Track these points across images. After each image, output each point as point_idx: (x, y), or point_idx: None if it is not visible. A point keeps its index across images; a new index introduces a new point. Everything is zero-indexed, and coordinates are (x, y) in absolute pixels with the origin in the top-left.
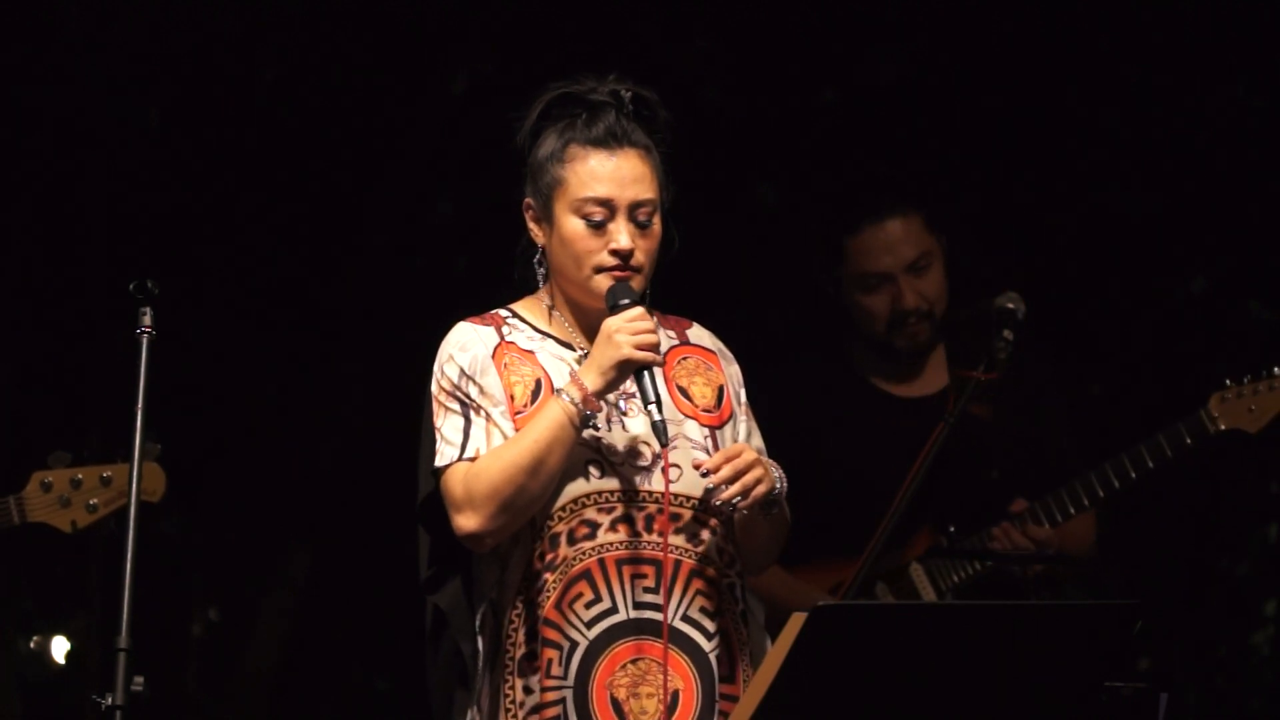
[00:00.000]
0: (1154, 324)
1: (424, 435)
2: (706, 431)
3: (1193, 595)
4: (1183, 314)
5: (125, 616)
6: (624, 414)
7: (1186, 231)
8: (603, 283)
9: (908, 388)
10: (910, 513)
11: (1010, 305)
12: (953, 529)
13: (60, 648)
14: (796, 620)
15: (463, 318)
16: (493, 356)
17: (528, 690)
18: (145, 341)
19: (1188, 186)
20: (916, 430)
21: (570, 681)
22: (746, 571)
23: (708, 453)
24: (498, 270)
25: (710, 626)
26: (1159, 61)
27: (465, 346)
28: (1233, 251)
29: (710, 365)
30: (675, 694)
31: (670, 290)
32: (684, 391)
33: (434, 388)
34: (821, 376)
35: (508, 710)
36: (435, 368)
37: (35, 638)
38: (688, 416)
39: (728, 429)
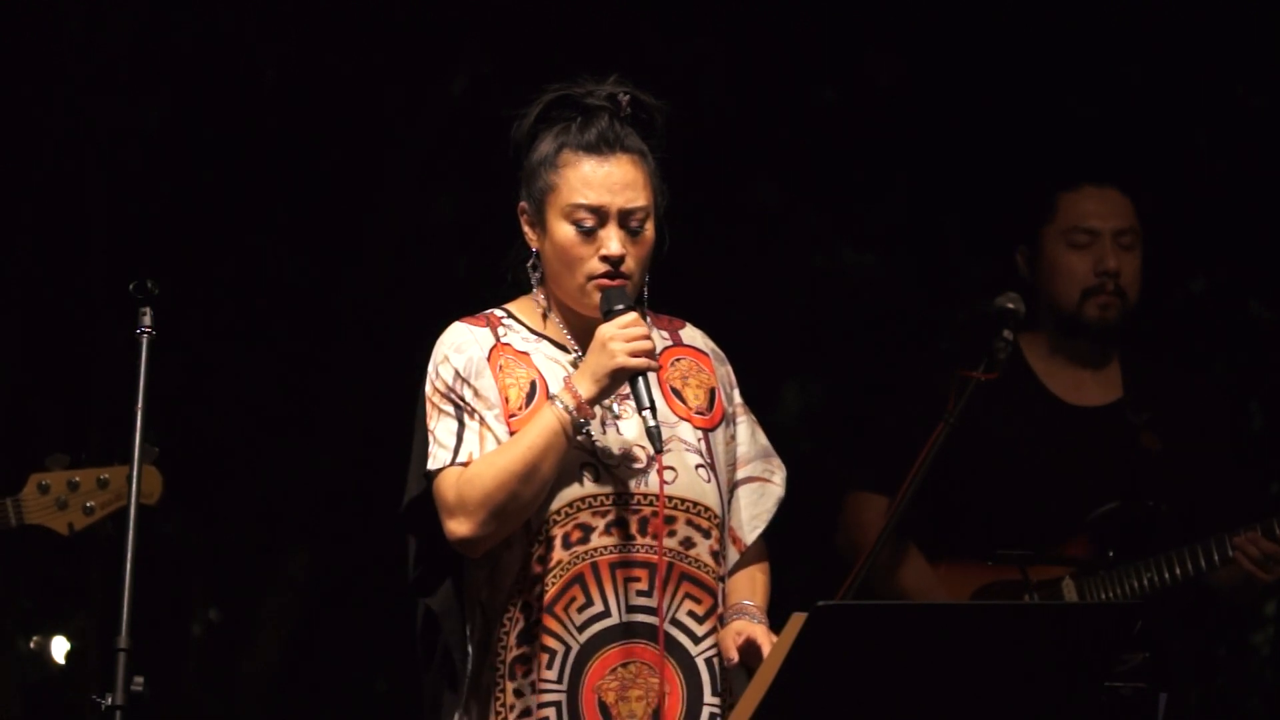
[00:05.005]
0: (1154, 324)
1: (416, 436)
2: (700, 434)
3: (1193, 595)
4: (1183, 314)
5: (125, 616)
6: (617, 417)
7: (1186, 231)
8: (595, 293)
9: (1079, 394)
10: (908, 514)
11: (1010, 305)
12: (1112, 553)
13: (60, 648)
14: (796, 620)
15: (458, 317)
16: (488, 358)
17: (519, 694)
18: (145, 342)
19: (1187, 187)
20: (1085, 440)
21: (564, 685)
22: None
23: (701, 455)
24: (498, 272)
25: (699, 631)
26: (1159, 61)
27: (461, 348)
28: (1233, 251)
29: (702, 367)
30: (662, 698)
31: (669, 290)
32: (678, 394)
33: (428, 389)
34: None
35: (498, 714)
36: (430, 368)
37: (35, 638)
38: (681, 419)
39: (720, 431)
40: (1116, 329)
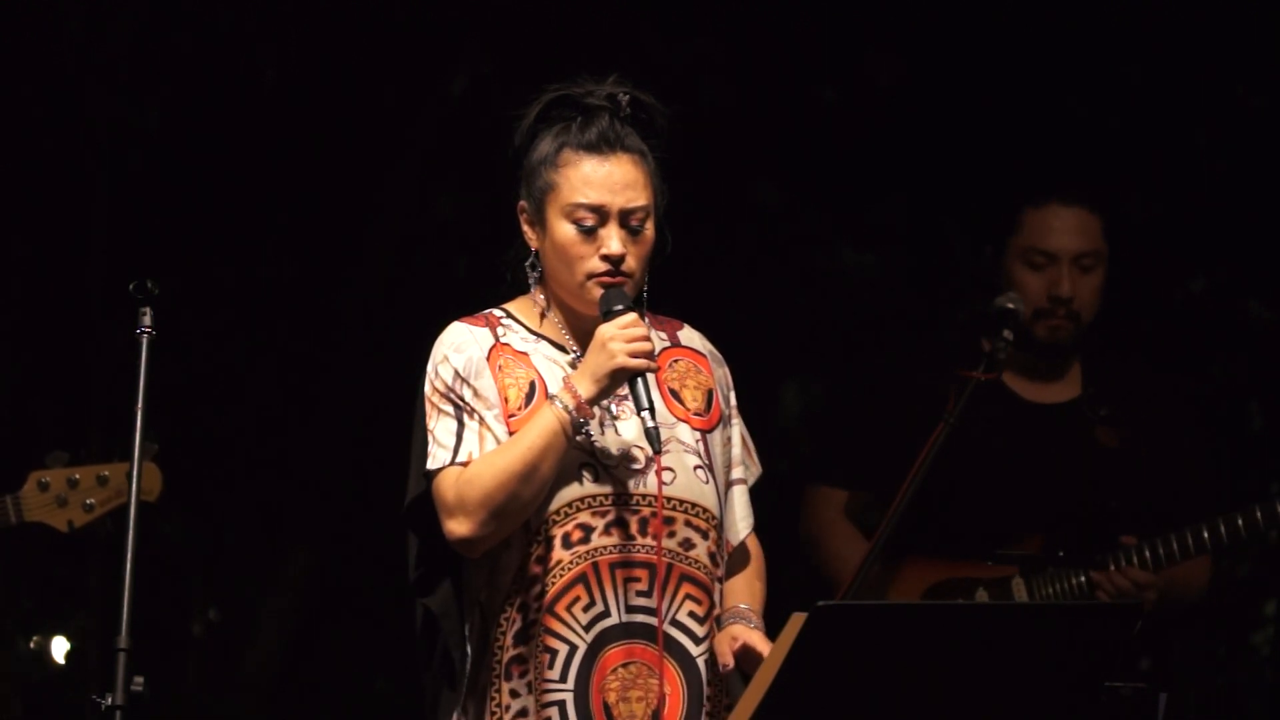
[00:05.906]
0: (1154, 324)
1: (415, 436)
2: (698, 435)
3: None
4: (1183, 314)
5: (125, 616)
6: (616, 417)
7: (1186, 231)
8: (595, 291)
9: (1039, 392)
10: (908, 513)
11: (1010, 305)
12: (1062, 554)
13: (60, 648)
14: (796, 620)
15: (458, 317)
16: (487, 358)
17: (514, 694)
18: (145, 341)
19: (1187, 187)
20: (1041, 436)
21: (570, 685)
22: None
23: (699, 456)
24: (498, 272)
25: (699, 631)
26: (1159, 61)
27: (460, 348)
28: (1233, 251)
29: (700, 369)
30: (662, 699)
31: (669, 290)
32: (676, 395)
33: (427, 388)
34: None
35: (493, 713)
36: (429, 368)
37: (35, 638)
38: (680, 420)
39: (717, 433)
40: (1067, 349)
